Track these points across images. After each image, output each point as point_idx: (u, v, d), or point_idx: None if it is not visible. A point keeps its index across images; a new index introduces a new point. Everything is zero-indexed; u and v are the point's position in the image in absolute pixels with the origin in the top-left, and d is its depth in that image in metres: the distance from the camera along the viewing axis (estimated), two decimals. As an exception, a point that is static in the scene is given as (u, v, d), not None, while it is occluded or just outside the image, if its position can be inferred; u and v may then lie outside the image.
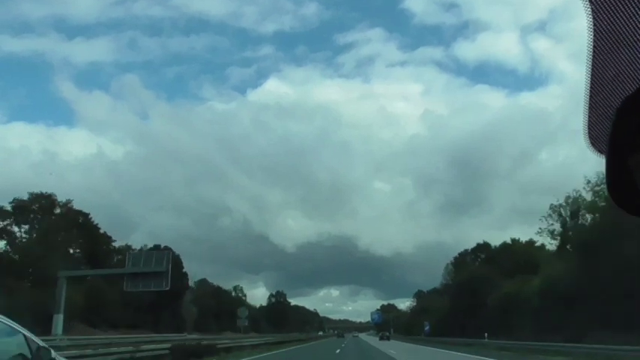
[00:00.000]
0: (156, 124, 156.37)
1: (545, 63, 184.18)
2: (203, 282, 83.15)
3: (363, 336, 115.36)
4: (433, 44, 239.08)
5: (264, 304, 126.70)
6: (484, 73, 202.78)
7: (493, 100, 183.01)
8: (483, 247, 68.70)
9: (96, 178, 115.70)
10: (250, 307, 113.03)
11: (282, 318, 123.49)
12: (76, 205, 47.81)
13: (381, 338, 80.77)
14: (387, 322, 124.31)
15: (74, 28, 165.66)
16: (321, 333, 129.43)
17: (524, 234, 73.76)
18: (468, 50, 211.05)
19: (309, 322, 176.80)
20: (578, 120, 1.15)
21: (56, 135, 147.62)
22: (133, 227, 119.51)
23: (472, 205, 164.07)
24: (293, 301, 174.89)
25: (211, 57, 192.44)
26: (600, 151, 1.11)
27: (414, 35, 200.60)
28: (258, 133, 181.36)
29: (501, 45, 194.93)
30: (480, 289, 47.95)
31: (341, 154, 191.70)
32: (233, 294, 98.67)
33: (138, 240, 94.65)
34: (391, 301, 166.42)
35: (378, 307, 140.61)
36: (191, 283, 74.24)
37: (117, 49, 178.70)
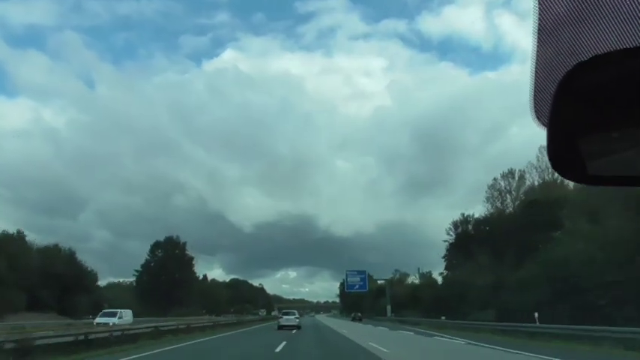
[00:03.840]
0: (103, 90, 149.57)
1: (509, 40, 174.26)
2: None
3: (322, 318, 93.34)
4: (397, 16, 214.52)
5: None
6: (449, 50, 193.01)
7: (458, 76, 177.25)
8: None
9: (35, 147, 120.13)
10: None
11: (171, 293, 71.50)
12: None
13: (354, 319, 73.92)
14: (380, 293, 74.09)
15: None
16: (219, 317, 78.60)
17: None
18: (432, 24, 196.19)
19: (252, 300, 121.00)
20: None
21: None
22: (81, 204, 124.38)
23: (436, 184, 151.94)
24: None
25: (163, 23, 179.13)
26: (544, 124, 1.18)
27: (378, 6, 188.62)
28: (214, 102, 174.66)
29: (466, 20, 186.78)
30: None
31: (303, 128, 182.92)
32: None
33: (85, 219, 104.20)
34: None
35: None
36: None
37: (59, 12, 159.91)
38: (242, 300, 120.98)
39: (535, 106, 1.17)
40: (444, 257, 73.18)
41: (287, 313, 39.91)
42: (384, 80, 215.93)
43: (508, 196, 62.78)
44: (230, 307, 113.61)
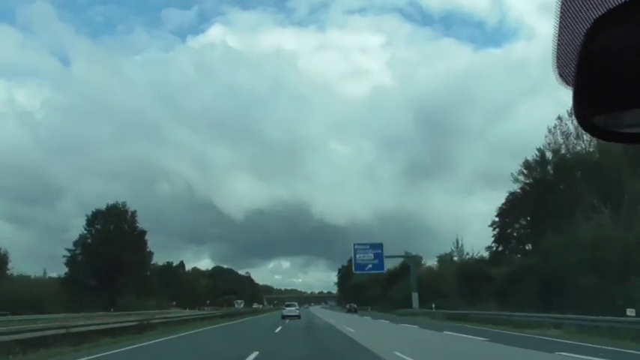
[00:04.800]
0: (80, 69, 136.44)
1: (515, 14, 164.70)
2: None
3: (316, 310, 79.97)
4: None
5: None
6: (452, 24, 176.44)
7: (461, 52, 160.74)
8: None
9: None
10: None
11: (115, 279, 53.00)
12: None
13: (349, 311, 64.92)
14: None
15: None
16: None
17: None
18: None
19: (237, 291, 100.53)
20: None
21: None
22: (58, 193, 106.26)
23: (437, 168, 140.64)
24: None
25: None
26: (567, 83, 1.13)
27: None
28: (201, 81, 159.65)
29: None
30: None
31: (296, 109, 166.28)
32: None
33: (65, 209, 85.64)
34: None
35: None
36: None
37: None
38: (225, 291, 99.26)
39: (558, 65, 1.09)
40: (492, 225, 51.80)
41: (289, 305, 42.52)
42: (383, 57, 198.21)
43: (581, 143, 42.69)
44: (213, 297, 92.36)
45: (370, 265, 54.68)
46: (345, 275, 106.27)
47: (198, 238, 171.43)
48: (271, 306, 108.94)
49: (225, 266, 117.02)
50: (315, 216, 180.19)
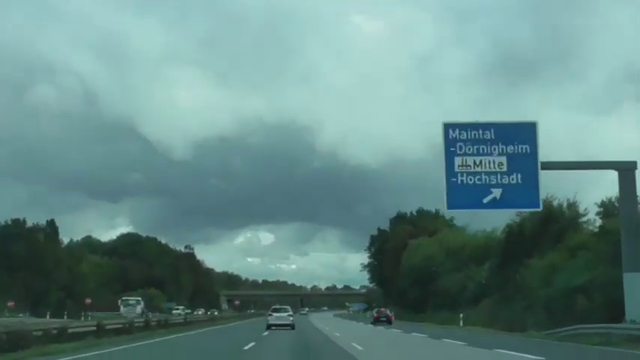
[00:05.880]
0: None
1: None
2: None
3: (326, 321, 45.63)
4: None
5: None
6: None
7: None
8: None
9: None
10: None
11: None
12: None
13: (376, 321, 43.41)
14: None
15: None
16: None
17: None
18: None
19: (165, 282, 60.69)
20: None
21: None
22: None
23: (547, 61, 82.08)
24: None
25: None
26: None
27: None
28: None
29: None
30: None
31: None
32: None
33: None
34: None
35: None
36: None
37: None
38: (140, 281, 60.57)
39: None
40: None
41: (278, 310, 34.52)
42: None
43: None
44: (110, 293, 54.29)
45: (496, 192, 17.00)
46: (381, 251, 62.41)
47: (110, 192, 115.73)
48: (217, 311, 68.82)
49: (145, 235, 76.35)
50: (322, 150, 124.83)
